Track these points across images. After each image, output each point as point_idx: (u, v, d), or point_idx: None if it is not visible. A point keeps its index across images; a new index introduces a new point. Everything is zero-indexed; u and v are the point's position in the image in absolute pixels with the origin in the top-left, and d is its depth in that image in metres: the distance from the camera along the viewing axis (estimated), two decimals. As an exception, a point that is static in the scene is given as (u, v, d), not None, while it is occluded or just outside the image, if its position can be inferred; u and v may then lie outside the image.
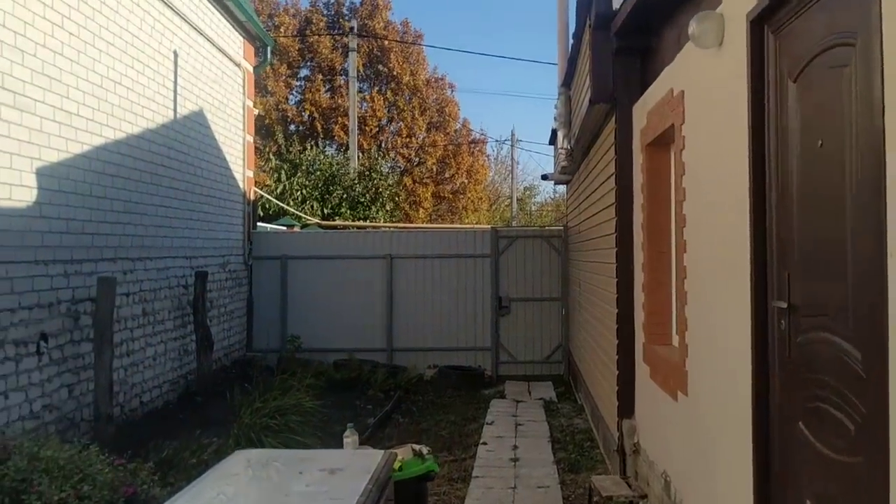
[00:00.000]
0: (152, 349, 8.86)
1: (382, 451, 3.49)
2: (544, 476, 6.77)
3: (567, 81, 8.67)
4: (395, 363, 12.53)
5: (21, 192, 6.27)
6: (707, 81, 3.87)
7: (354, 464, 3.31)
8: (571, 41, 7.78)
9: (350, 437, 4.49)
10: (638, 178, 5.87)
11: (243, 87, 12.56)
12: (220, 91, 11.36)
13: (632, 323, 6.10)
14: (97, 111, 7.53)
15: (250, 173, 13.09)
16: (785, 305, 2.83)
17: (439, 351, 12.65)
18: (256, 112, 14.74)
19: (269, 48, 13.56)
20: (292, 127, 30.60)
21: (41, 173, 6.55)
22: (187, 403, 9.41)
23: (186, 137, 10.00)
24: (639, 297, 5.88)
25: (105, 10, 7.69)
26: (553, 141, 12.95)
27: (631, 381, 6.11)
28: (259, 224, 16.29)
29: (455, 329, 12.71)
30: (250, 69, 12.98)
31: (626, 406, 6.15)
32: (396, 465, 4.23)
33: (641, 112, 5.74)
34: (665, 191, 5.44)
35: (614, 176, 6.37)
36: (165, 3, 9.15)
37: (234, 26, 11.96)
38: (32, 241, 6.43)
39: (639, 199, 5.85)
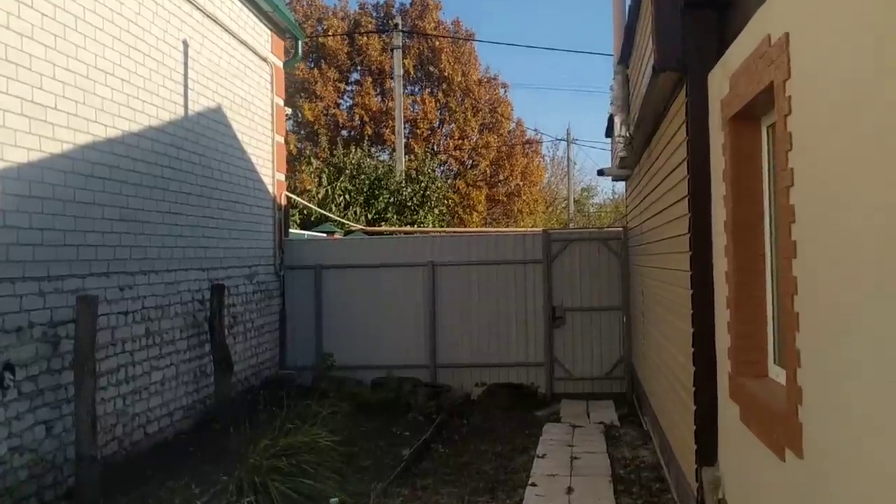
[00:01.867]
0: (159, 373, 7.90)
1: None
2: (604, 533, 5.54)
3: (624, 57, 7.42)
4: (438, 381, 11.43)
5: (-25, 198, 5.35)
6: (831, 9, 2.64)
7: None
8: (629, 2, 6.54)
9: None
10: (718, 163, 4.61)
11: (271, 83, 11.62)
12: (242, 87, 10.42)
13: (712, 347, 4.83)
14: (82, 105, 6.59)
15: (281, 176, 12.13)
16: None
17: (487, 367, 11.50)
18: (287, 109, 13.80)
19: (299, 42, 12.61)
20: (344, 132, 29.77)
21: (5, 176, 5.60)
22: (203, 433, 8.46)
23: (201, 136, 9.06)
24: (721, 314, 4.61)
25: (90, -10, 6.77)
26: (609, 132, 11.65)
27: (712, 419, 4.84)
28: (297, 231, 15.41)
29: (505, 343, 11.53)
30: (279, 64, 12.03)
31: (707, 451, 4.88)
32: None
33: (721, 78, 4.48)
34: (757, 176, 4.18)
35: (686, 162, 5.11)
36: (170, -13, 8.24)
37: (258, 17, 11.03)
38: (-7, 255, 5.50)
39: (719, 190, 4.59)
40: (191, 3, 8.73)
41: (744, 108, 4.00)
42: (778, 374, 3.96)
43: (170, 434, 8.12)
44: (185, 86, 8.65)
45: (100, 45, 6.87)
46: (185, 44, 8.64)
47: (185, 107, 8.66)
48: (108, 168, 7.00)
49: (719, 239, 4.63)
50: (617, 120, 7.71)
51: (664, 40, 4.99)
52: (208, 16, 9.21)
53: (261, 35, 11.23)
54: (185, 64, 8.65)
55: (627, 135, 7.57)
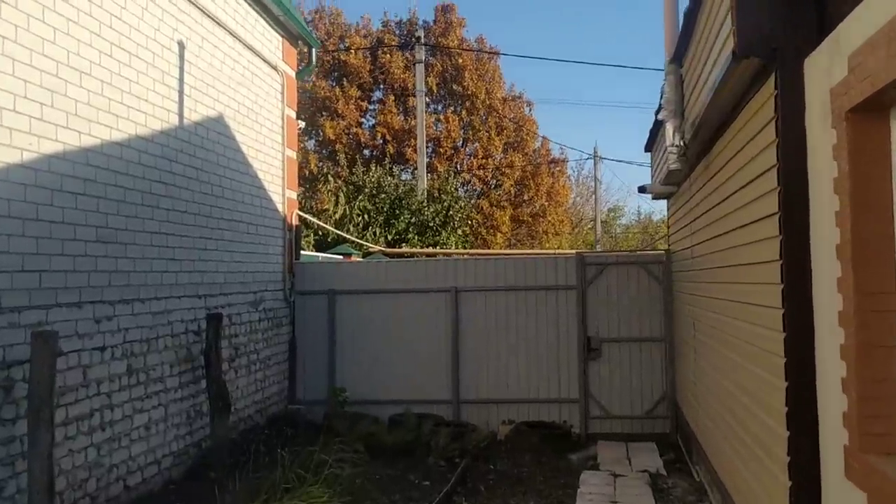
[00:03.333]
0: (143, 416, 6.94)
1: None
2: None
3: (679, 54, 6.41)
4: (461, 418, 10.39)
5: None
6: None
7: None
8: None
9: None
10: (824, 170, 3.57)
11: (282, 93, 10.73)
12: (249, 96, 9.53)
13: (814, 409, 3.77)
14: (48, 108, 5.68)
15: (292, 194, 11.20)
16: None
17: (515, 403, 10.45)
18: (301, 123, 12.92)
19: (313, 50, 11.75)
20: (366, 151, 28.97)
21: (-57, 189, 4.71)
22: (196, 481, 7.48)
23: (199, 148, 8.16)
24: (831, 367, 3.55)
25: (63, -22, 5.88)
26: (650, 145, 10.61)
27: (815, 500, 3.76)
28: (310, 253, 14.50)
29: (535, 376, 10.46)
30: (291, 73, 11.15)
31: (808, 541, 3.81)
32: None
33: (830, 61, 3.46)
34: (885, 185, 3.15)
35: (776, 170, 4.08)
36: (164, -18, 7.37)
37: (268, 21, 10.16)
38: (-75, 283, 4.57)
39: (827, 205, 3.55)
40: (188, 0, 7.86)
41: (874, 94, 2.97)
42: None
43: (157, 485, 7.13)
44: (181, 91, 7.76)
45: (73, 40, 5.97)
46: (181, 45, 7.76)
47: (181, 115, 7.76)
48: (81, 181, 6.08)
49: (826, 267, 3.58)
50: (669, 127, 6.68)
51: (747, 19, 3.98)
52: (208, 15, 8.34)
53: (270, 41, 10.36)
54: (181, 67, 7.76)
55: (682, 144, 6.54)
